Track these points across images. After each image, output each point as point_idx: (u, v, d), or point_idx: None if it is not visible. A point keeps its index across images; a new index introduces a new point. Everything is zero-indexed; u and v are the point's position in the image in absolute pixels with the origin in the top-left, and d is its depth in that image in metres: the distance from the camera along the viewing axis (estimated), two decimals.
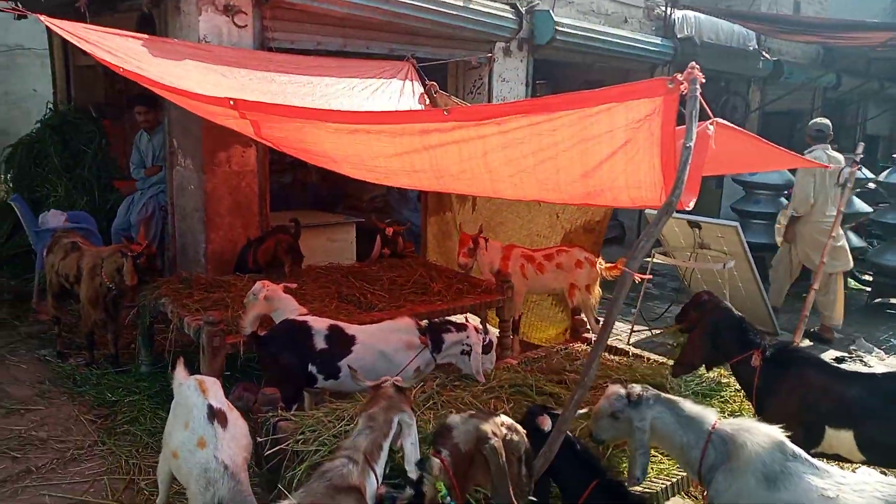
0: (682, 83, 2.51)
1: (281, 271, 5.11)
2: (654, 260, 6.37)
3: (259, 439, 2.95)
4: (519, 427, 2.44)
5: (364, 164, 3.68)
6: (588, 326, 4.85)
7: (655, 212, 2.55)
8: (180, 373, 2.97)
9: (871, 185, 8.14)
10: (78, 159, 7.11)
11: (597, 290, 5.39)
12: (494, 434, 2.33)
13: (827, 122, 6.86)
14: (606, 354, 4.21)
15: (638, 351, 4.36)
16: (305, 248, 5.58)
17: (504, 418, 2.45)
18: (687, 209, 2.72)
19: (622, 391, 2.70)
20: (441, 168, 3.33)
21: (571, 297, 5.31)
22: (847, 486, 2.43)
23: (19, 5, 4.81)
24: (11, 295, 6.15)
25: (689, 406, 2.76)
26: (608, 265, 5.33)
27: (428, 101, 5.71)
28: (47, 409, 4.46)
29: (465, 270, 5.31)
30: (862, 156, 5.05)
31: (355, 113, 4.12)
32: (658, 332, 6.41)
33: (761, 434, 2.59)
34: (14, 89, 11.40)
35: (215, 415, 2.66)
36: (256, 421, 3.09)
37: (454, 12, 6.47)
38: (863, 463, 3.17)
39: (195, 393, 2.76)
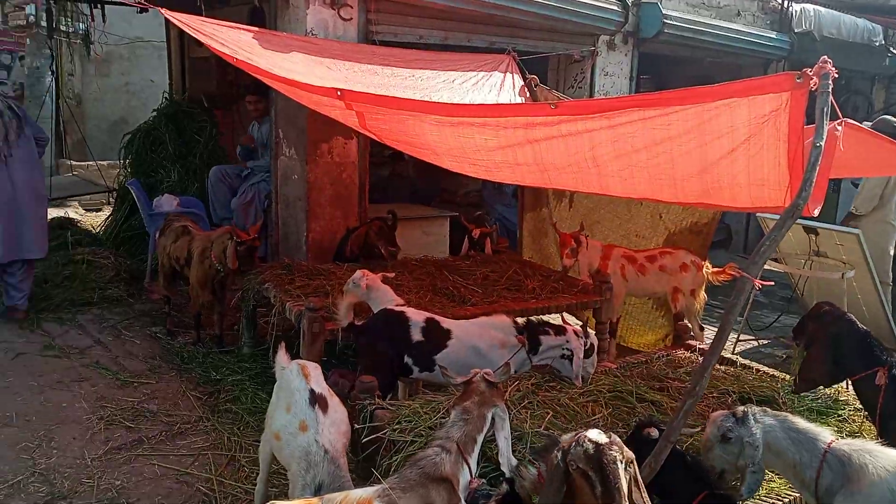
0: (813, 78, 2.35)
1: (378, 262, 5.17)
2: (765, 266, 6.04)
3: (356, 426, 2.99)
4: (589, 436, 2.04)
5: (466, 157, 3.65)
6: (692, 333, 4.64)
7: (769, 216, 2.40)
8: (283, 357, 3.04)
9: None
10: (190, 147, 7.46)
11: (702, 296, 5.15)
12: (561, 448, 2.11)
13: None
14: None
15: (746, 361, 4.14)
16: (401, 240, 5.62)
17: (589, 431, 2.08)
18: (813, 216, 2.54)
19: (726, 412, 2.57)
20: (546, 162, 3.25)
21: (675, 301, 5.09)
22: None
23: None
24: (127, 274, 6.49)
25: (800, 422, 2.60)
26: (716, 269, 5.08)
27: (528, 95, 5.64)
28: (157, 383, 4.71)
29: (567, 271, 5.19)
30: None
31: (460, 105, 4.10)
32: (766, 342, 6.10)
33: (886, 457, 2.40)
34: (134, 80, 12.18)
35: (317, 400, 2.71)
36: (353, 408, 3.13)
37: (558, 4, 6.35)
38: None
39: (298, 377, 2.82)
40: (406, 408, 3.04)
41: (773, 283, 3.90)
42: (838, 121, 2.69)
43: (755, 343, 6.13)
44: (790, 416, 2.63)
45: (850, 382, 3.34)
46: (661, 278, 5.11)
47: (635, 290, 5.27)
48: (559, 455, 2.04)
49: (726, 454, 2.56)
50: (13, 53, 10.53)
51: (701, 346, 4.27)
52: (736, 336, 6.01)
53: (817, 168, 2.31)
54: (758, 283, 2.30)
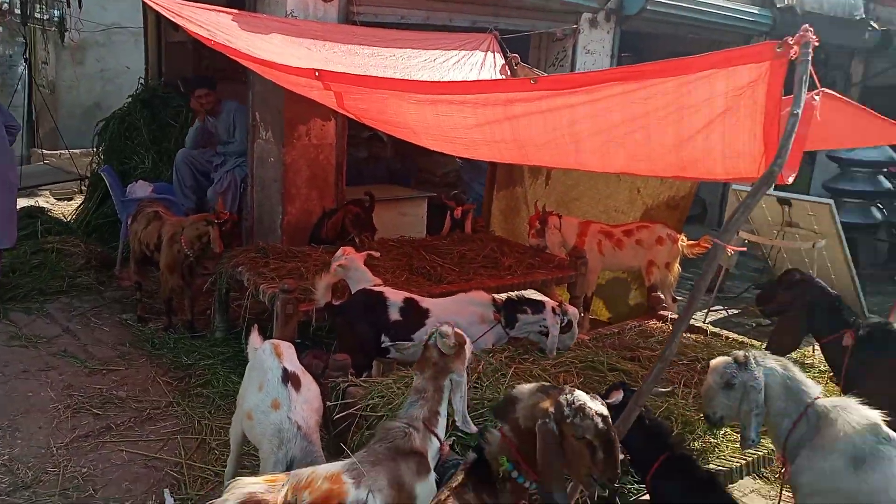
0: (793, 47, 2.32)
1: (353, 243, 5.11)
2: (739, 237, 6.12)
3: (328, 403, 2.95)
4: (594, 408, 2.09)
5: (444, 136, 3.60)
6: (664, 304, 4.68)
7: (742, 188, 2.38)
8: (255, 338, 3.03)
9: None
10: (165, 133, 7.33)
11: (676, 269, 5.22)
12: (550, 414, 2.08)
13: None
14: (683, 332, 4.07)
15: (716, 330, 4.20)
16: (378, 221, 5.58)
17: (578, 396, 2.11)
18: (787, 183, 2.53)
19: (727, 359, 2.56)
20: (523, 138, 3.22)
21: (649, 274, 5.16)
22: None
23: None
24: (98, 262, 6.35)
25: (798, 372, 2.59)
26: (691, 242, 5.13)
27: (509, 74, 5.58)
28: (127, 370, 4.61)
29: (535, 249, 5.19)
30: None
31: (439, 83, 4.03)
32: (737, 311, 6.18)
33: (858, 415, 2.43)
34: (109, 66, 11.92)
35: (289, 378, 2.69)
36: (326, 385, 3.10)
37: None
38: None
39: (270, 356, 2.79)
40: (379, 383, 3.01)
41: (744, 249, 3.92)
42: (816, 91, 2.67)
43: (725, 313, 6.22)
44: (790, 364, 2.63)
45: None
46: (638, 252, 5.16)
47: (611, 265, 5.31)
48: (550, 421, 2.03)
49: (729, 400, 2.57)
50: None
51: (672, 316, 4.31)
52: (707, 306, 6.07)
53: (793, 136, 2.29)
54: (730, 248, 2.29)
